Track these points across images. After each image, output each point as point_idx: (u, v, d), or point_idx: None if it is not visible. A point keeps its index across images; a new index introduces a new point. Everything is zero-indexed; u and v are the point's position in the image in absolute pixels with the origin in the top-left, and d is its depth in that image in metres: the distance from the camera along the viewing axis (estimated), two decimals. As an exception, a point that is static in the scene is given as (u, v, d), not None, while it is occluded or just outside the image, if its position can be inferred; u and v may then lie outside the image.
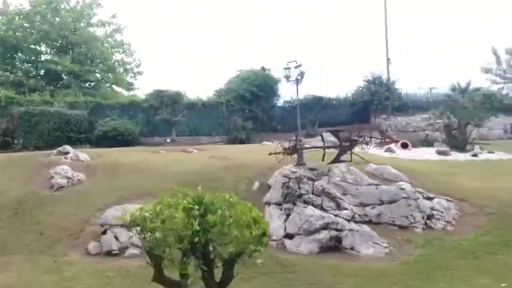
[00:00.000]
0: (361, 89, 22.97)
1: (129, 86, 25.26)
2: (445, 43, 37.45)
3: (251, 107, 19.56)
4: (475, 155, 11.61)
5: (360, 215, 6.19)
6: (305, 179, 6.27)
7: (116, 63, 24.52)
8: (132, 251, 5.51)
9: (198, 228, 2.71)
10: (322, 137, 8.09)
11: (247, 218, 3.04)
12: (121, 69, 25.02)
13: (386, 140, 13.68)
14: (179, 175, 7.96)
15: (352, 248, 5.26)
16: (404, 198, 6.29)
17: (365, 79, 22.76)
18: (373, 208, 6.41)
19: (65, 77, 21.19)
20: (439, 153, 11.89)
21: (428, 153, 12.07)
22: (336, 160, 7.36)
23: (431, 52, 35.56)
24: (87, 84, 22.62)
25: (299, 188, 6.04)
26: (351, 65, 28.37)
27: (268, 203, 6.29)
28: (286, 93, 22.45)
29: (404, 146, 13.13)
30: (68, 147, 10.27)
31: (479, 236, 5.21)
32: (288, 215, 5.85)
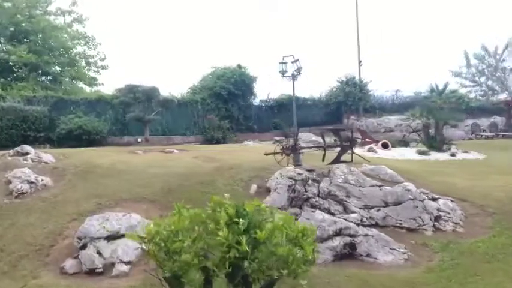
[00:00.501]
0: (334, 89, 23.25)
1: (92, 81, 23.46)
2: (415, 46, 39.24)
3: (227, 106, 18.93)
4: (453, 155, 11.95)
5: (366, 218, 5.88)
6: (310, 181, 5.82)
7: (78, 56, 22.64)
8: (120, 268, 4.70)
9: (247, 248, 2.10)
10: (323, 137, 7.72)
11: (294, 231, 2.49)
12: (83, 63, 23.17)
13: (367, 140, 13.76)
14: (165, 178, 7.19)
15: (368, 255, 4.89)
16: (411, 199, 6.07)
17: (338, 80, 23.06)
18: (378, 210, 6.11)
19: (19, 69, 19.07)
20: (420, 153, 12.11)
21: (409, 153, 12.25)
22: (337, 160, 7.02)
23: (400, 55, 37.11)
24: (44, 78, 20.60)
25: (306, 191, 5.58)
26: (324, 66, 28.75)
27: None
28: (261, 92, 22.13)
29: (385, 146, 13.24)
30: (27, 147, 9.00)
31: (492, 237, 5.07)
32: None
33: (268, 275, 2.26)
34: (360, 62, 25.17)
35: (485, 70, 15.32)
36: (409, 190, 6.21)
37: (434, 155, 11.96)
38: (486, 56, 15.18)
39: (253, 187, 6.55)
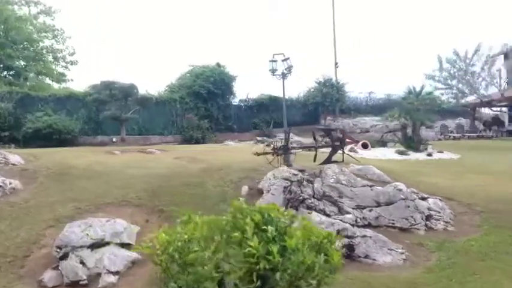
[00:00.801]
0: (312, 90, 23.50)
1: (60, 77, 22.14)
2: (389, 50, 40.62)
3: (206, 105, 18.53)
4: (429, 155, 12.37)
5: (360, 219, 5.85)
6: (305, 182, 5.70)
7: (44, 50, 21.26)
8: (108, 279, 4.32)
9: (280, 258, 1.90)
10: (314, 137, 7.63)
11: (319, 236, 2.32)
12: (50, 57, 21.80)
13: (347, 140, 13.94)
14: (148, 180, 6.80)
15: (366, 256, 4.83)
16: (402, 199, 6.11)
17: (316, 81, 23.33)
18: (370, 211, 6.09)
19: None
20: (399, 153, 12.43)
21: (389, 153, 12.55)
22: (328, 161, 6.95)
23: (374, 58, 38.29)
24: (7, 73, 19.10)
25: (301, 192, 5.45)
26: (301, 67, 29.01)
27: (265, 210, 5.56)
28: (239, 91, 21.88)
29: (365, 146, 13.47)
30: (-9, 147, 8.24)
31: (484, 236, 5.19)
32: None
33: (296, 285, 2.06)
34: (336, 63, 25.60)
35: (456, 74, 16.12)
36: (400, 190, 6.25)
37: (413, 155, 12.32)
38: (457, 60, 15.98)
39: (244, 188, 6.34)
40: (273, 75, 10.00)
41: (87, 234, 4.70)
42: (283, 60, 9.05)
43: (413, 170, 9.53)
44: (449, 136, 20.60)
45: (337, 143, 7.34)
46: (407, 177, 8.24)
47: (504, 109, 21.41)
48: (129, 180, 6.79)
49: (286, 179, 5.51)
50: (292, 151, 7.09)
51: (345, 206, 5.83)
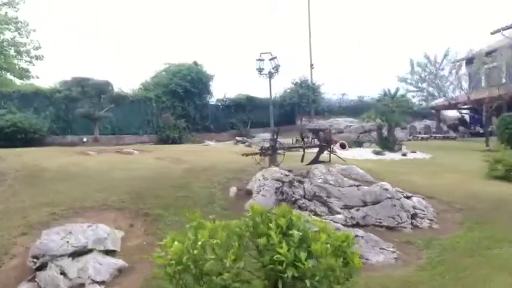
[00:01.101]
0: (288, 91, 23.64)
1: (23, 73, 20.70)
2: (361, 53, 41.71)
3: (183, 104, 18.07)
4: (404, 155, 12.80)
5: (348, 219, 5.89)
6: (296, 183, 5.64)
7: (6, 43, 19.79)
8: (93, 289, 3.99)
9: (310, 265, 1.79)
10: (302, 137, 7.59)
11: (338, 239, 2.24)
12: (12, 51, 20.32)
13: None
14: (130, 182, 6.46)
15: (360, 256, 4.84)
16: (389, 198, 6.22)
17: (293, 82, 23.50)
18: (358, 210, 6.16)
19: None
20: (376, 153, 12.76)
21: (366, 153, 12.84)
22: (315, 161, 6.95)
23: (349, 60, 39.23)
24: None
25: (293, 193, 5.38)
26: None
27: (256, 211, 5.44)
28: (216, 91, 21.56)
29: (342, 146, 13.72)
30: (-50, 148, 7.48)
31: (468, 232, 5.38)
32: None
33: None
34: (311, 65, 25.95)
35: (427, 77, 16.91)
36: (386, 189, 6.37)
37: (389, 155, 12.68)
38: (428, 64, 16.77)
39: (233, 190, 6.18)
40: (260, 74, 9.88)
41: (68, 242, 4.35)
42: (270, 59, 8.97)
43: (391, 169, 9.79)
44: (418, 137, 21.54)
45: (324, 144, 7.36)
46: (388, 176, 8.44)
47: (465, 111, 22.77)
48: (110, 182, 6.40)
49: (277, 180, 5.42)
50: (280, 151, 7.02)
51: (334, 206, 5.84)
